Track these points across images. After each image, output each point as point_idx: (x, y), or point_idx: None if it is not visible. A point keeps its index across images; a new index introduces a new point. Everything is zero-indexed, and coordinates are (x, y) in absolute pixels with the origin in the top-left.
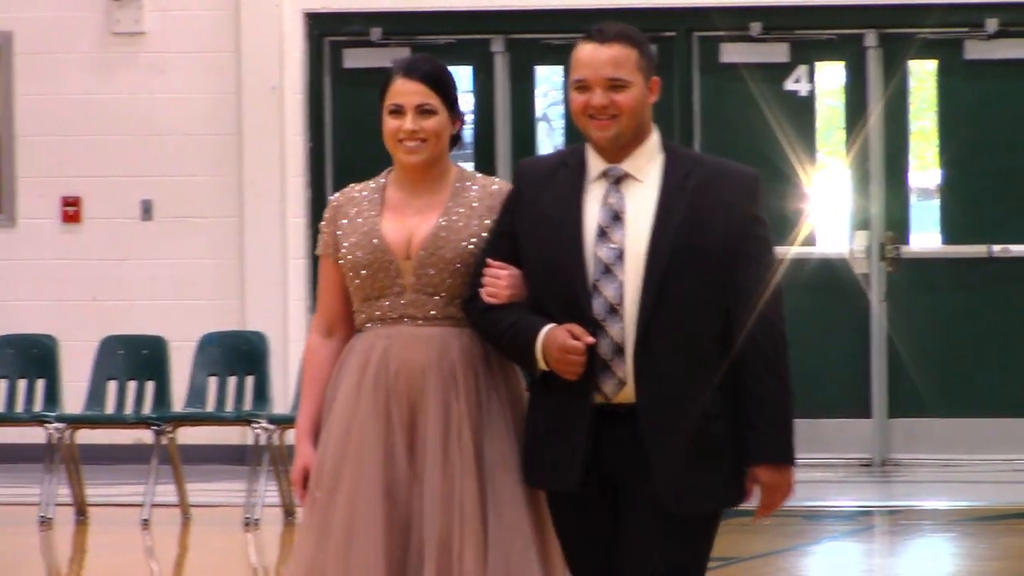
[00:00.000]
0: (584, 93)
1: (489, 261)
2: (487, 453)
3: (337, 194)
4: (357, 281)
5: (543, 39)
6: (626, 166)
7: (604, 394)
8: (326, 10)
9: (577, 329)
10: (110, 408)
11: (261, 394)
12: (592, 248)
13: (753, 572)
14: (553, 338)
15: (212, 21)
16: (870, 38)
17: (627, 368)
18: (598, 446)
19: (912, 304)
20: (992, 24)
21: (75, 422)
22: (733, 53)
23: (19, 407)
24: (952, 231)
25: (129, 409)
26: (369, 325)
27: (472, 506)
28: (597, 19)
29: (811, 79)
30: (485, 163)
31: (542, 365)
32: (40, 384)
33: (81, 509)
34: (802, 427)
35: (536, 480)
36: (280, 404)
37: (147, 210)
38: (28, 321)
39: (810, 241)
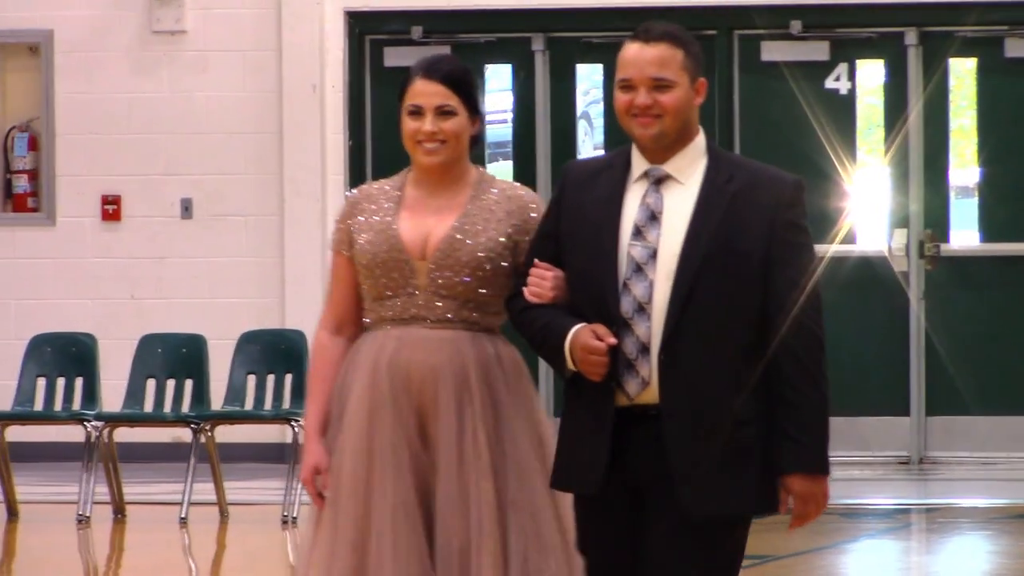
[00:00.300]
0: (628, 92)
1: (536, 261)
2: (505, 457)
3: (355, 190)
4: (371, 279)
5: (583, 37)
6: (668, 167)
7: (627, 394)
8: (367, 9)
9: (601, 329)
10: (148, 406)
11: (300, 392)
12: (626, 247)
13: (791, 570)
14: (578, 337)
15: (253, 20)
16: (910, 36)
17: (651, 367)
18: (623, 450)
19: (951, 302)
20: None
21: (114, 420)
22: (773, 51)
23: (58, 405)
24: (991, 229)
25: (168, 407)
26: (380, 324)
27: (490, 513)
28: (638, 17)
29: (851, 77)
30: (525, 162)
31: (571, 366)
32: (79, 383)
33: (119, 507)
34: (840, 425)
35: (560, 482)
36: None
37: (187, 208)
38: (67, 320)
39: (850, 239)
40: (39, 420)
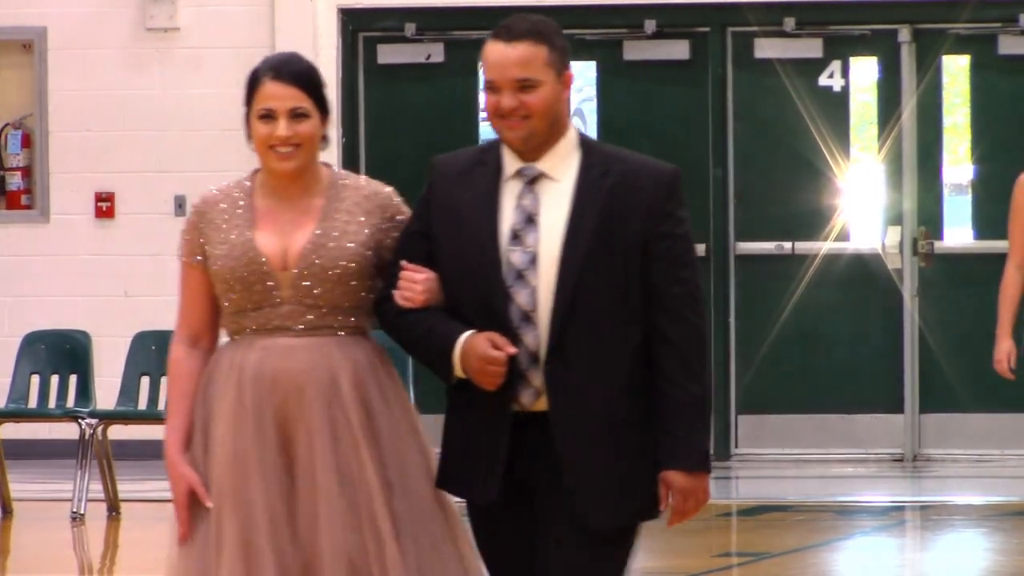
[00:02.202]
0: (494, 95)
1: (403, 264)
2: (386, 467)
3: (198, 199)
4: (231, 294)
5: (576, 34)
6: (541, 165)
7: (521, 404)
8: (360, 6)
9: (499, 338)
10: (143, 404)
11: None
12: (505, 252)
13: (785, 567)
14: (473, 346)
15: (246, 16)
16: (903, 33)
17: (543, 377)
18: (516, 455)
19: (945, 299)
20: None
21: (108, 418)
22: (767, 48)
23: (52, 403)
24: (985, 226)
25: (162, 405)
26: (242, 334)
27: (385, 525)
28: (630, 13)
29: (844, 74)
30: None
31: (459, 373)
32: (73, 380)
33: (114, 505)
34: (834, 422)
35: (450, 486)
36: None
37: (180, 205)
38: (61, 317)
39: (843, 236)
40: (33, 418)
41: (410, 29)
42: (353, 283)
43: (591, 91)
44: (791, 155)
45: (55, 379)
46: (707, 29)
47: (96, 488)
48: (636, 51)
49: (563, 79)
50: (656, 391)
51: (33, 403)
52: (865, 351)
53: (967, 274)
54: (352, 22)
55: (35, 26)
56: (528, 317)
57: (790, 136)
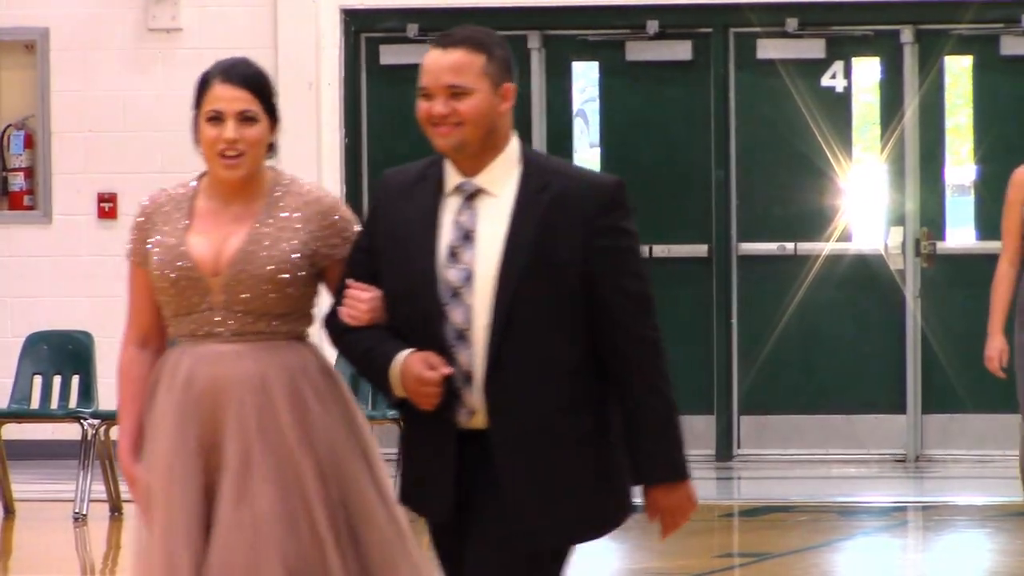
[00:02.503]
0: (427, 101)
1: (349, 282)
2: (325, 471)
3: (147, 199)
4: (165, 297)
5: (580, 35)
6: (480, 180)
7: (456, 423)
8: (363, 7)
9: (434, 359)
10: None
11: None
12: (442, 270)
13: (787, 568)
14: (408, 367)
15: (249, 17)
16: (906, 34)
17: (477, 398)
18: (459, 472)
19: (947, 300)
20: None
21: (110, 418)
22: (769, 49)
23: (54, 403)
24: (987, 227)
25: None
26: (179, 340)
27: (325, 530)
28: (633, 15)
29: (847, 75)
30: None
31: (399, 392)
32: (75, 380)
33: (116, 505)
34: (837, 422)
35: (414, 507)
36: None
37: None
38: (63, 317)
39: (845, 237)
40: (35, 418)
41: (412, 30)
42: (287, 289)
43: (594, 92)
44: (793, 156)
45: (57, 379)
46: (709, 30)
47: (98, 489)
48: (638, 52)
49: (501, 90)
50: (623, 411)
51: (35, 404)
52: (867, 352)
53: (969, 275)
54: (354, 23)
55: (37, 27)
56: (463, 335)
57: (792, 136)
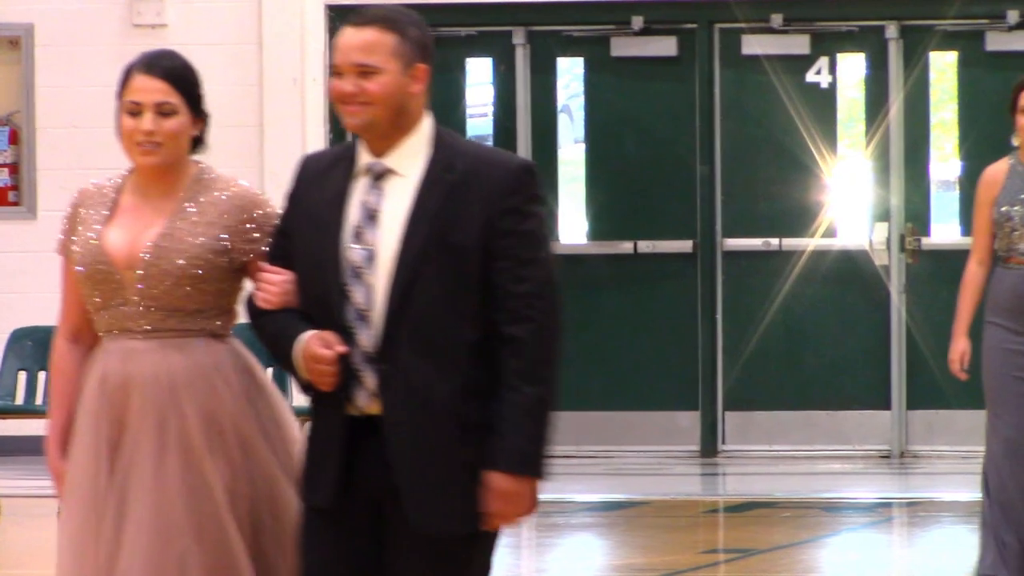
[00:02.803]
0: (338, 79)
1: (260, 264)
2: (236, 472)
3: (76, 192)
4: (85, 291)
5: (564, 31)
6: (389, 160)
7: (357, 406)
8: (348, 2)
9: (329, 337)
10: None
11: (280, 387)
12: (346, 250)
13: (772, 563)
14: (305, 347)
15: (234, 13)
16: (891, 29)
17: (377, 378)
18: (358, 461)
19: (932, 296)
20: (1013, 16)
21: None
22: (754, 45)
23: (39, 399)
24: (972, 223)
25: None
26: (101, 335)
27: (234, 533)
28: (618, 10)
29: (832, 71)
30: None
31: (303, 374)
32: None
33: None
34: (822, 418)
35: (301, 493)
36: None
37: None
38: (48, 313)
39: (830, 233)
40: (20, 414)
41: None
42: (201, 285)
43: (579, 88)
44: (778, 151)
45: (42, 375)
46: (694, 25)
47: None
48: (624, 47)
49: (413, 71)
50: (498, 393)
51: (20, 399)
52: (852, 348)
53: (954, 270)
54: (340, 18)
55: (22, 22)
56: (363, 316)
57: (777, 132)
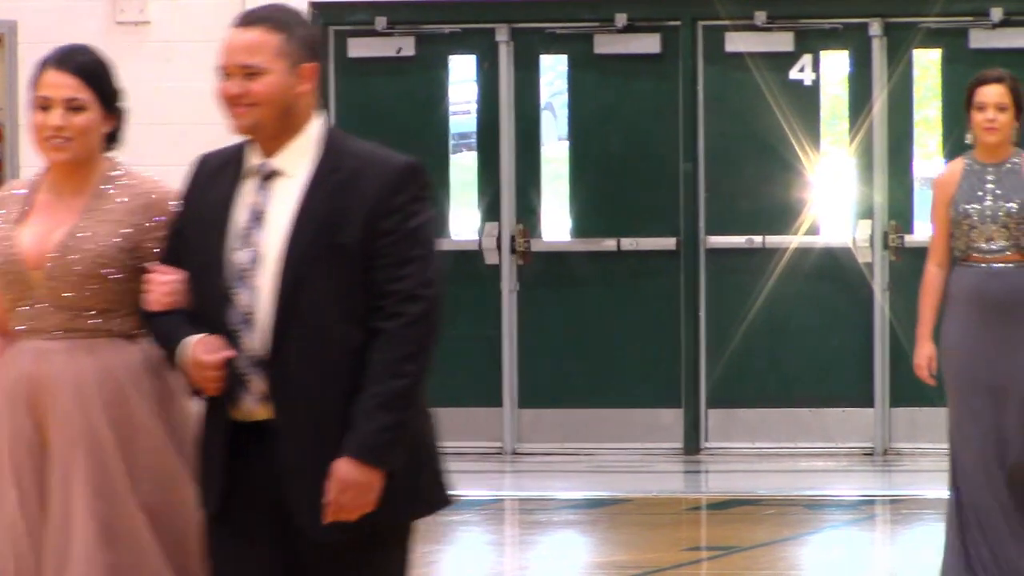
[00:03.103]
0: (225, 80)
1: (149, 265)
2: (141, 477)
3: (1, 190)
4: (1, 290)
5: (548, 28)
6: (277, 161)
7: (245, 411)
8: None
9: (214, 342)
10: None
11: None
12: (232, 252)
13: (755, 561)
14: (191, 353)
15: (217, 10)
16: (874, 27)
17: (263, 382)
18: (250, 469)
19: (915, 293)
20: (997, 13)
21: None
22: (738, 42)
23: None
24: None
25: None
26: (15, 335)
27: (148, 540)
28: (602, 8)
29: (815, 68)
30: (489, 153)
31: (190, 380)
32: None
33: None
34: (805, 416)
35: (198, 498)
36: None
37: None
38: None
39: (814, 230)
40: None
41: (381, 23)
42: (109, 284)
43: (562, 85)
44: (762, 149)
45: None
46: (678, 23)
47: None
48: (607, 45)
49: (299, 71)
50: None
51: None
52: (835, 345)
53: None
54: (323, 15)
55: (5, 20)
56: (249, 319)
57: (761, 130)
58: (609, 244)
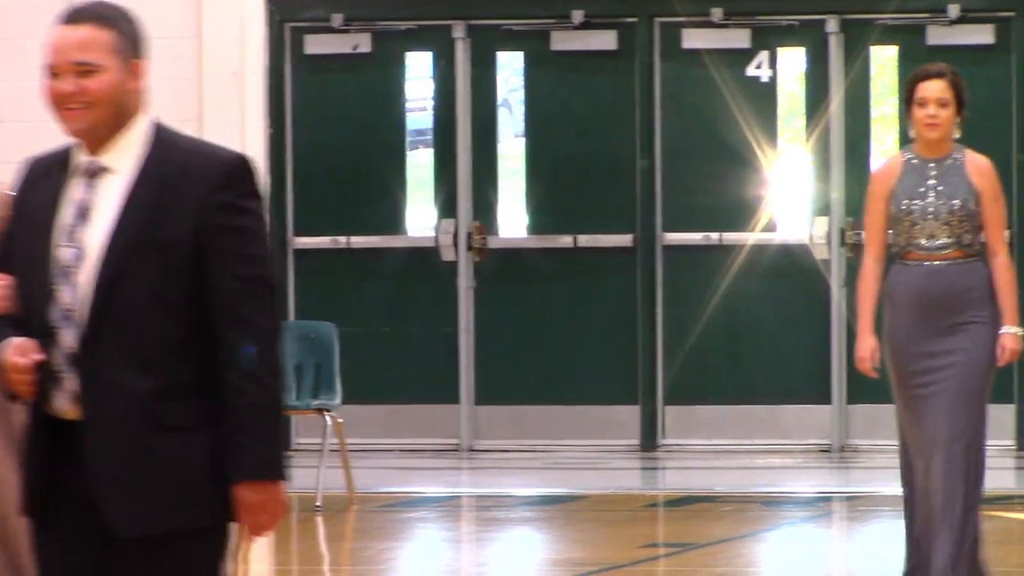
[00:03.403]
0: (54, 80)
1: None
2: None
3: None
4: None
5: (504, 24)
6: (104, 158)
7: (60, 410)
8: None
9: (26, 345)
10: None
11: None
12: (56, 250)
13: (712, 558)
14: (4, 355)
15: (173, 6)
16: (831, 24)
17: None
18: (64, 469)
19: None
20: (954, 10)
21: None
22: (694, 39)
23: None
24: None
25: None
26: None
27: None
28: (557, 4)
29: (772, 65)
30: (446, 150)
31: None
32: None
33: None
34: (761, 412)
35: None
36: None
37: None
38: None
39: (770, 227)
40: None
41: (337, 19)
42: None
43: (518, 81)
44: (719, 145)
45: None
46: (635, 19)
47: None
48: (563, 41)
49: (130, 67)
50: (224, 401)
51: None
52: (792, 342)
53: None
54: (279, 12)
55: None
56: (69, 316)
57: (718, 126)
58: (566, 241)
